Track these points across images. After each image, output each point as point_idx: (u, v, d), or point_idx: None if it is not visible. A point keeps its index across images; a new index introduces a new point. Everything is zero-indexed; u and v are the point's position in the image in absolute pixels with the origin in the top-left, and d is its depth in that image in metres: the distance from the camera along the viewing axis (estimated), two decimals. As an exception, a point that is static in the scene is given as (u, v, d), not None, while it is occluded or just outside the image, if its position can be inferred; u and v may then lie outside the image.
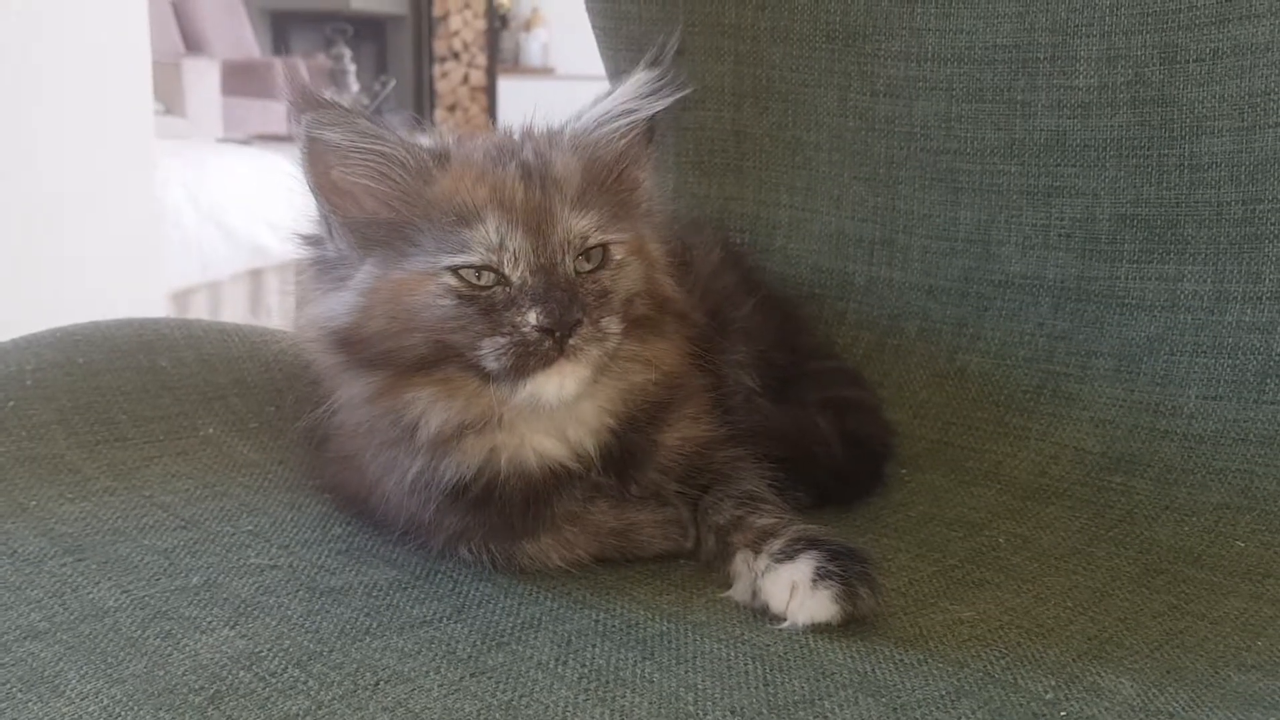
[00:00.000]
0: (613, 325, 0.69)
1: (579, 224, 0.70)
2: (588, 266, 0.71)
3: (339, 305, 0.71)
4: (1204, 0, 0.92)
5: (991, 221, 1.06)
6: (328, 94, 0.72)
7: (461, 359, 0.68)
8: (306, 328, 0.76)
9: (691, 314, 0.78)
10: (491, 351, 0.67)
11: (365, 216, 0.71)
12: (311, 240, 0.75)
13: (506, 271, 0.68)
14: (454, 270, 0.68)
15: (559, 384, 0.68)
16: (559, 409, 0.70)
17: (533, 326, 0.66)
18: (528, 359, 0.67)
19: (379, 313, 0.70)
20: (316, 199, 0.72)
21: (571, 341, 0.67)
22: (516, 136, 0.76)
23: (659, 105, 0.75)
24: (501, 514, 0.73)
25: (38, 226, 2.35)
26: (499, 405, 0.69)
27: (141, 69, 2.58)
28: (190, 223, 3.42)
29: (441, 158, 0.72)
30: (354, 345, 0.71)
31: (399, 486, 0.74)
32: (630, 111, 0.75)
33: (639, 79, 0.75)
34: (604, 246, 0.71)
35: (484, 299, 0.68)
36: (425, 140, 0.75)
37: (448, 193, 0.69)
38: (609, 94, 0.76)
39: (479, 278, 0.68)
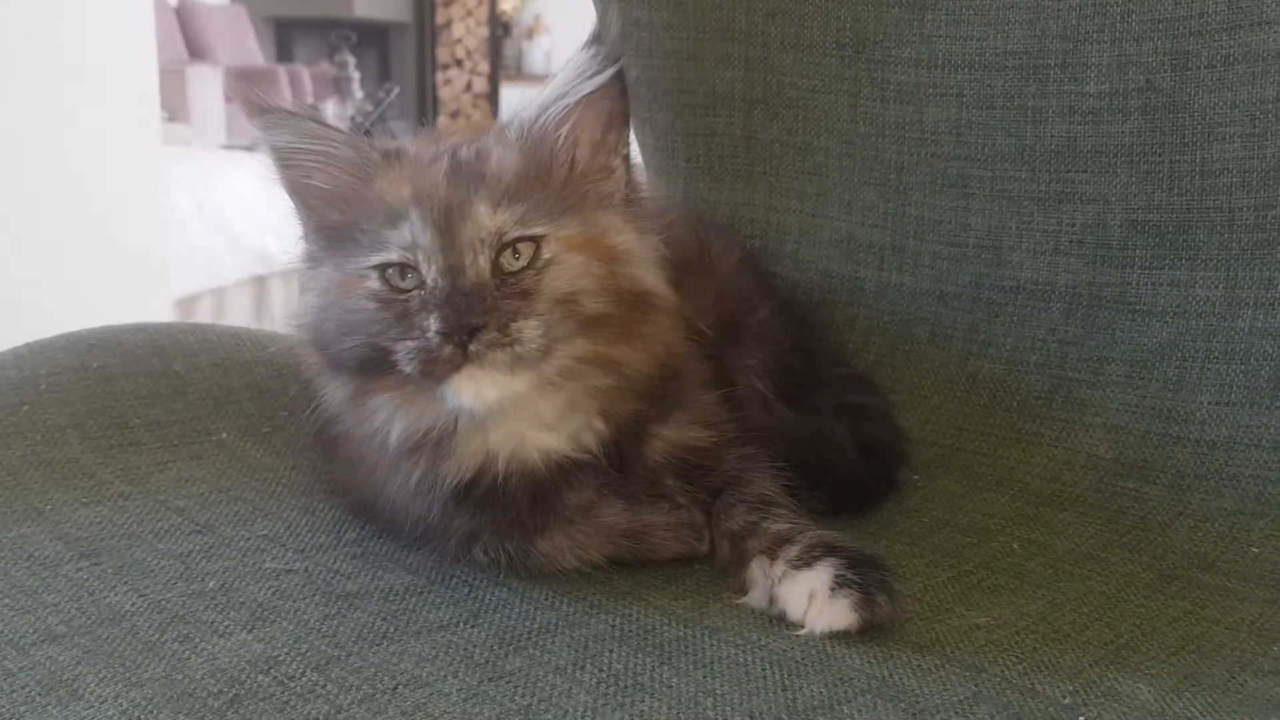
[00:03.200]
0: (529, 329, 0.66)
1: (496, 219, 0.67)
2: (516, 264, 0.67)
3: (308, 305, 0.72)
4: (1215, 7, 0.92)
5: (1002, 227, 1.06)
6: (273, 99, 0.71)
7: (395, 363, 0.67)
8: (292, 326, 0.76)
9: (684, 311, 0.74)
10: (403, 354, 0.66)
11: (323, 218, 0.73)
12: (302, 238, 0.76)
13: (423, 272, 0.67)
14: (379, 270, 0.68)
15: (474, 390, 0.66)
16: (499, 413, 0.68)
17: (434, 331, 0.65)
18: (434, 364, 0.65)
19: (331, 314, 0.70)
20: (292, 201, 0.74)
21: (472, 348, 0.64)
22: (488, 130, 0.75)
23: (591, 85, 0.70)
24: (509, 511, 0.72)
25: (44, 233, 2.35)
26: (448, 413, 0.69)
27: (148, 77, 2.59)
28: (195, 229, 3.43)
29: (392, 157, 0.71)
30: (321, 346, 0.72)
31: (404, 490, 0.73)
32: (565, 94, 0.70)
33: (577, 59, 0.70)
34: (533, 242, 0.68)
35: (401, 302, 0.67)
36: (386, 142, 0.74)
37: (381, 192, 0.69)
38: (554, 78, 0.72)
39: (403, 278, 0.67)
